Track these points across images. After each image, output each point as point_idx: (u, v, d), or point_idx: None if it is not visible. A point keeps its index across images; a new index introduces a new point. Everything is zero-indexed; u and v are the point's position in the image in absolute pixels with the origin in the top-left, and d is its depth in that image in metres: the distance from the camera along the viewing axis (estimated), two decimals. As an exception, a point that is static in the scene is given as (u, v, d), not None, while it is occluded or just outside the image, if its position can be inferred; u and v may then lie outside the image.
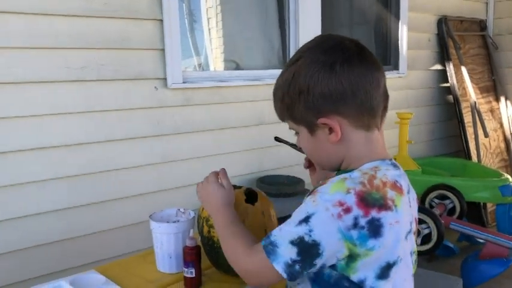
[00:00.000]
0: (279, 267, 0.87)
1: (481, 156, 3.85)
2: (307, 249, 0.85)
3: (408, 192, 0.93)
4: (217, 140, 2.61)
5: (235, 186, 1.39)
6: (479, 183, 3.18)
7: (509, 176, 3.17)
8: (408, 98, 3.74)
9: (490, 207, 3.65)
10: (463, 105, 3.84)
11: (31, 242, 2.04)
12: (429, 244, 2.72)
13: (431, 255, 2.93)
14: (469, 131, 3.82)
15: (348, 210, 0.83)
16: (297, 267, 0.86)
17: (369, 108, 0.91)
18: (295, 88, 0.91)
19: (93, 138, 2.17)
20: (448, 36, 3.90)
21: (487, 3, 4.36)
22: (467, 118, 3.84)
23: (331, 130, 0.91)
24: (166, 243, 1.36)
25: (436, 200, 3.10)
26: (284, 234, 0.88)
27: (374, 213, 0.84)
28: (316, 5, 3.00)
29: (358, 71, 0.89)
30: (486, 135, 3.84)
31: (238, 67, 2.90)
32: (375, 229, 0.84)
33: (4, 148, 1.95)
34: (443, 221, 2.75)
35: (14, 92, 1.96)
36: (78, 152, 2.13)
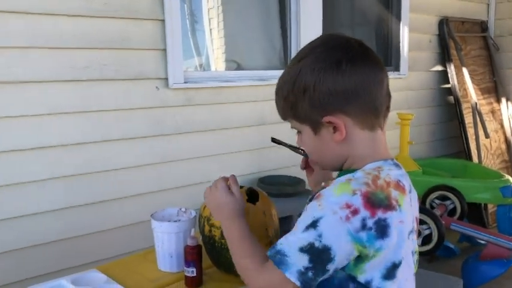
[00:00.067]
0: (292, 277, 0.84)
1: (482, 157, 3.85)
2: (319, 255, 0.83)
3: (410, 192, 0.93)
4: (218, 140, 2.62)
5: (236, 186, 1.40)
6: (480, 184, 3.18)
7: (510, 177, 3.16)
8: (409, 99, 3.74)
9: (491, 208, 3.65)
10: (464, 106, 3.84)
11: (28, 242, 2.04)
12: (430, 245, 2.72)
13: (431, 256, 2.93)
14: (470, 132, 3.82)
15: (355, 212, 0.82)
16: (310, 274, 0.84)
17: (373, 108, 0.91)
18: (300, 86, 0.90)
19: (93, 138, 2.17)
20: (449, 37, 3.90)
21: (488, 4, 4.36)
22: (468, 119, 3.84)
23: (335, 129, 0.90)
24: (167, 242, 1.36)
25: (437, 201, 3.10)
26: (291, 242, 0.86)
27: (380, 213, 0.83)
28: (317, 6, 3.00)
29: (363, 70, 0.89)
30: (487, 136, 3.84)
31: (239, 67, 2.90)
32: (382, 230, 0.83)
33: (3, 147, 1.96)
34: (444, 222, 2.74)
35: (15, 91, 1.96)
36: (79, 152, 2.14)
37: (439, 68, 3.97)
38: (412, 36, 3.68)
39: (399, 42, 3.64)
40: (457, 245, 3.16)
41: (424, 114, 3.86)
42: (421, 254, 2.29)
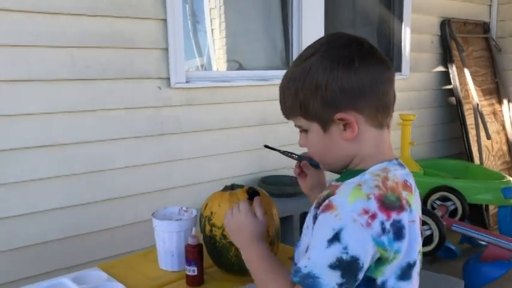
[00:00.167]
0: None
1: (483, 159, 3.85)
2: (349, 268, 0.80)
3: (415, 191, 0.93)
4: (219, 140, 2.62)
5: (237, 186, 1.40)
6: (482, 185, 3.17)
7: (511, 178, 3.16)
8: (411, 99, 3.74)
9: (492, 209, 3.65)
10: (466, 107, 3.83)
11: (29, 241, 2.04)
12: (431, 246, 2.72)
13: (433, 256, 2.93)
14: (472, 133, 3.82)
15: (373, 216, 0.81)
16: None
17: (384, 106, 0.91)
18: (311, 83, 0.88)
19: (97, 137, 2.18)
20: (451, 38, 3.89)
21: (490, 5, 4.35)
22: (470, 120, 3.83)
23: (345, 126, 0.89)
24: (168, 241, 1.37)
25: (438, 202, 3.10)
26: (318, 262, 0.82)
27: (394, 215, 0.83)
28: (319, 6, 3.00)
29: (375, 68, 0.89)
30: (488, 137, 3.84)
31: (241, 67, 2.91)
32: (398, 231, 0.83)
33: (9, 145, 1.96)
34: (445, 223, 2.74)
35: (20, 90, 1.97)
36: (82, 150, 2.14)
37: (441, 69, 3.97)
38: (414, 37, 3.68)
39: (401, 43, 3.64)
40: (458, 246, 3.15)
41: (425, 115, 3.86)
42: (422, 254, 2.29)
